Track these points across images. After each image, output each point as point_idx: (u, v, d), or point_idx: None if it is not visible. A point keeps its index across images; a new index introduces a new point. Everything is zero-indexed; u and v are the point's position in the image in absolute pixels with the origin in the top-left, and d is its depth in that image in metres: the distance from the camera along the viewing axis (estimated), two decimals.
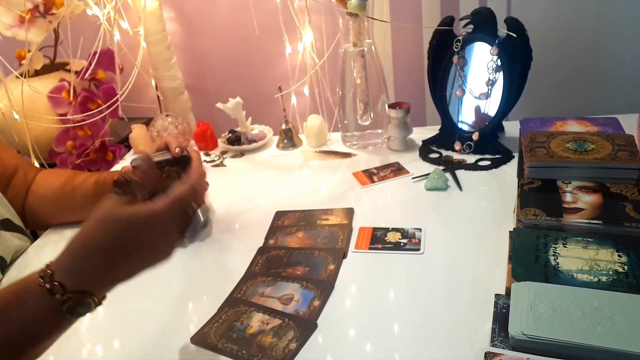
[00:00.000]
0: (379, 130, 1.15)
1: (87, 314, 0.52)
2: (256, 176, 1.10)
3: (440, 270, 0.75)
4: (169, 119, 1.23)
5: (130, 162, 0.85)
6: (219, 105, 1.19)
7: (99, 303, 0.53)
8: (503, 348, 0.58)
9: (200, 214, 0.59)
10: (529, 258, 0.66)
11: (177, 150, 0.85)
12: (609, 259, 0.65)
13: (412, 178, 1.00)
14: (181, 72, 1.36)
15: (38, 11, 1.15)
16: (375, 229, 0.85)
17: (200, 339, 0.67)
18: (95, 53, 1.15)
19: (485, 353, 0.56)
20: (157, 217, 0.53)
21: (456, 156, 1.06)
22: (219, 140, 1.25)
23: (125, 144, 1.31)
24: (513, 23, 0.98)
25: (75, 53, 1.20)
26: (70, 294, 0.50)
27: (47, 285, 0.50)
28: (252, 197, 1.02)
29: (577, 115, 0.94)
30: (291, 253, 0.82)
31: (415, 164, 1.06)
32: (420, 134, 1.14)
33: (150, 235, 0.53)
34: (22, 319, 0.51)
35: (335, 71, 1.15)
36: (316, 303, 0.71)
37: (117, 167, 1.21)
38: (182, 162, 0.86)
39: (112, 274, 0.53)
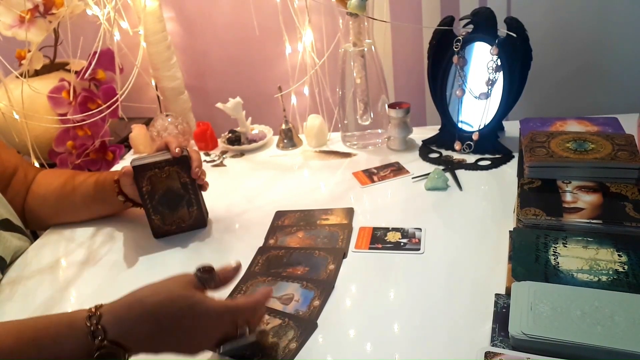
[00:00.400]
0: (379, 130, 1.15)
1: None
2: (256, 176, 1.10)
3: (440, 270, 0.75)
4: (169, 119, 1.23)
5: (130, 162, 0.85)
6: (219, 105, 1.19)
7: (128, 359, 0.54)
8: (503, 348, 0.58)
9: (247, 334, 0.59)
10: (529, 258, 0.66)
11: (177, 150, 0.85)
12: (609, 258, 0.65)
13: (412, 178, 1.00)
14: (181, 72, 1.36)
15: (38, 11, 1.15)
16: (375, 229, 0.85)
17: None
18: (95, 53, 1.15)
19: (486, 353, 0.56)
20: (213, 314, 0.55)
21: (456, 156, 1.06)
22: (219, 140, 1.25)
23: (125, 144, 1.31)
24: (513, 23, 0.98)
25: (75, 53, 1.20)
26: (108, 342, 0.51)
27: (92, 327, 0.51)
28: (252, 197, 1.02)
29: (577, 115, 0.94)
30: (291, 253, 0.82)
31: (415, 163, 1.06)
32: (420, 134, 1.14)
33: (198, 327, 0.55)
34: (54, 354, 0.51)
35: (335, 71, 1.15)
36: (316, 303, 0.71)
37: (117, 167, 1.21)
38: (182, 162, 0.86)
39: (150, 343, 0.54)
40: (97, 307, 0.54)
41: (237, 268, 0.63)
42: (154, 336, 0.54)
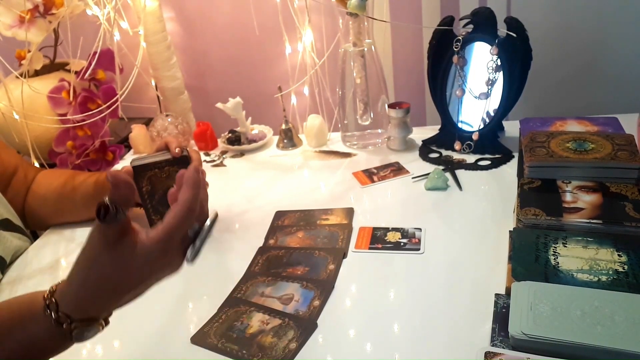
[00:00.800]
0: (379, 130, 1.15)
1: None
2: (256, 176, 1.10)
3: (440, 270, 0.75)
4: (169, 119, 1.23)
5: (130, 162, 0.85)
6: (219, 105, 1.19)
7: (106, 324, 0.53)
8: (503, 348, 0.58)
9: (200, 228, 0.57)
10: (529, 258, 0.66)
11: (177, 150, 0.85)
12: (609, 258, 0.65)
13: (412, 178, 1.00)
14: (181, 72, 1.36)
15: (38, 11, 1.15)
16: (375, 229, 0.85)
17: (200, 339, 0.67)
18: (95, 53, 1.15)
19: (486, 353, 0.56)
20: (155, 250, 0.52)
21: (456, 156, 1.06)
22: (219, 140, 1.25)
23: (125, 144, 1.31)
24: (513, 23, 0.98)
25: (75, 53, 1.19)
26: (77, 322, 0.51)
27: (53, 316, 0.51)
28: (252, 197, 1.02)
29: (577, 115, 0.94)
30: (291, 253, 0.82)
31: (415, 163, 1.06)
32: (420, 134, 1.14)
33: (153, 266, 0.53)
34: (28, 340, 0.51)
35: (335, 71, 1.15)
36: (316, 303, 0.71)
37: (117, 167, 1.21)
38: (182, 162, 0.86)
39: (117, 302, 0.53)
40: (52, 293, 0.53)
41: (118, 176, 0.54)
42: (118, 295, 0.52)
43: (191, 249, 0.56)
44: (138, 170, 0.85)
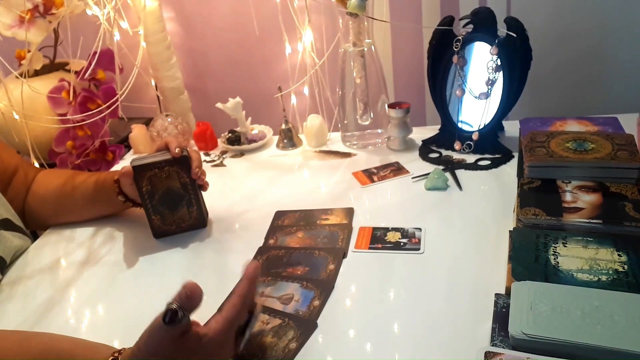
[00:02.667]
0: (379, 130, 1.15)
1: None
2: (256, 176, 1.10)
3: (440, 270, 0.75)
4: (169, 119, 1.23)
5: (130, 162, 0.85)
6: (219, 105, 1.19)
7: None
8: (503, 347, 0.58)
9: (249, 318, 0.61)
10: (529, 257, 0.66)
11: (177, 150, 0.85)
12: (608, 258, 0.65)
13: (412, 178, 1.00)
14: (181, 72, 1.36)
15: (38, 11, 1.15)
16: (375, 229, 0.85)
17: None
18: (95, 53, 1.15)
19: (485, 352, 0.56)
20: (218, 342, 0.56)
21: (456, 156, 1.06)
22: (219, 140, 1.25)
23: (125, 144, 1.31)
24: (513, 23, 0.98)
25: (75, 53, 1.19)
26: None
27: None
28: (252, 197, 1.02)
29: (577, 115, 0.94)
30: (291, 253, 0.82)
31: (415, 163, 1.06)
32: (420, 134, 1.14)
33: (213, 356, 0.56)
34: None
35: (335, 71, 1.15)
36: (316, 303, 0.71)
37: (117, 167, 1.21)
38: (182, 162, 0.86)
39: None
40: (120, 352, 0.57)
41: (192, 287, 0.57)
42: None
43: (242, 340, 0.59)
44: (138, 170, 0.85)
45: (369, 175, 1.03)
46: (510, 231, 0.77)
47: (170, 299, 0.54)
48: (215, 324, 0.57)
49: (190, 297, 0.55)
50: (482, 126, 1.05)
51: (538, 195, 0.76)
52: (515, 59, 0.99)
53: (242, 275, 0.61)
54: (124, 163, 1.22)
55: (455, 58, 1.03)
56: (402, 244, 0.81)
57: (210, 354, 0.56)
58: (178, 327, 0.53)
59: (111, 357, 0.56)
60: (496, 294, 0.66)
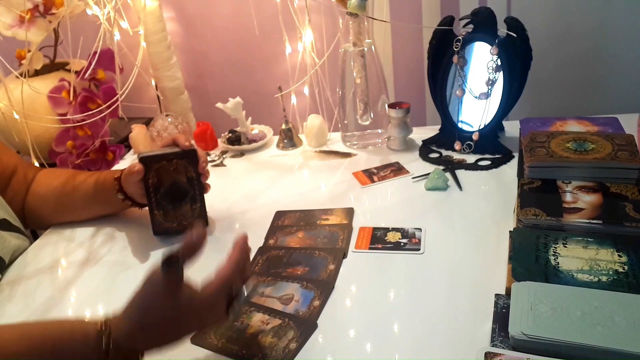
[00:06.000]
0: (379, 130, 1.15)
1: None
2: (256, 176, 1.10)
3: (440, 270, 0.75)
4: (169, 119, 1.23)
5: (138, 156, 0.86)
6: (219, 105, 1.19)
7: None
8: (503, 348, 0.58)
9: (244, 289, 0.64)
10: (529, 258, 0.66)
11: (187, 143, 0.86)
12: (609, 258, 0.65)
13: (412, 178, 1.00)
14: (181, 72, 1.36)
15: (38, 11, 1.15)
16: (375, 229, 0.85)
17: (200, 339, 0.67)
18: (95, 53, 1.15)
19: (485, 353, 0.56)
20: (208, 302, 0.58)
21: (456, 156, 1.06)
22: (219, 140, 1.25)
23: (125, 144, 1.31)
24: (513, 23, 0.98)
25: (75, 53, 1.19)
26: (121, 354, 0.56)
27: (104, 342, 0.56)
28: (252, 197, 1.02)
29: (577, 115, 0.94)
30: (291, 253, 0.82)
31: (415, 163, 1.06)
32: (420, 134, 1.14)
33: (202, 316, 0.59)
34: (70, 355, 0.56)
35: (335, 71, 1.15)
36: (316, 303, 0.71)
37: (117, 167, 1.21)
38: (191, 156, 0.87)
39: (161, 345, 0.58)
40: (107, 322, 0.57)
41: (200, 234, 0.60)
42: (163, 339, 0.58)
43: (232, 309, 0.61)
44: (147, 162, 0.85)
45: (369, 175, 1.03)
46: (510, 231, 0.77)
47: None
48: (208, 287, 0.59)
49: (191, 245, 0.58)
50: (482, 126, 1.05)
51: (538, 195, 0.76)
52: (516, 59, 0.99)
53: (233, 245, 0.62)
54: (124, 163, 1.22)
55: (455, 58, 1.03)
56: (402, 244, 0.81)
57: (199, 315, 0.58)
58: (173, 272, 0.56)
59: (97, 332, 0.56)
60: (496, 295, 0.66)
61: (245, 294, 0.63)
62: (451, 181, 0.97)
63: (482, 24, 1.00)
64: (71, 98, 1.19)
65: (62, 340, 0.57)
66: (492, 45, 0.99)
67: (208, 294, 0.58)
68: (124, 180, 0.88)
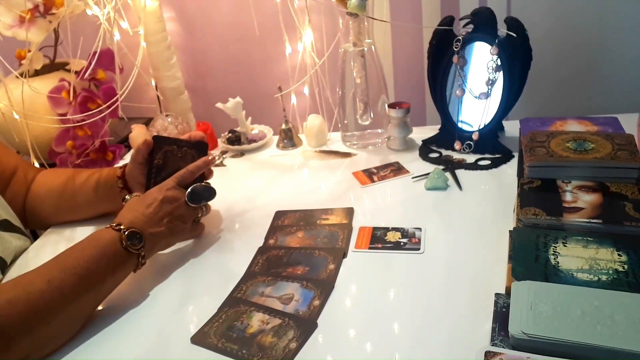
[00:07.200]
0: (379, 130, 1.15)
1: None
2: (256, 176, 1.11)
3: (440, 269, 0.75)
4: (169, 119, 1.23)
5: (152, 137, 0.88)
6: (219, 105, 1.19)
7: (145, 241, 0.77)
8: (503, 347, 0.58)
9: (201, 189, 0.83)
10: (529, 257, 0.66)
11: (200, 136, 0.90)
12: (609, 258, 0.65)
13: (412, 178, 1.00)
14: (181, 72, 1.36)
15: (38, 11, 1.15)
16: (375, 229, 0.85)
17: (200, 339, 0.67)
18: (95, 53, 1.15)
19: (486, 352, 0.56)
20: (165, 192, 0.82)
21: (456, 156, 1.06)
22: (219, 140, 1.25)
23: (125, 144, 1.31)
24: (513, 23, 0.98)
25: (75, 53, 1.19)
26: (127, 230, 0.75)
27: (115, 227, 0.76)
28: (252, 197, 1.02)
29: (577, 115, 0.94)
30: (291, 253, 0.82)
31: (415, 163, 1.06)
32: (420, 134, 1.14)
33: (171, 207, 0.82)
34: (98, 252, 0.73)
35: (335, 71, 1.15)
36: (316, 303, 0.71)
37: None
38: (200, 148, 0.88)
39: (152, 227, 0.79)
40: (118, 223, 0.77)
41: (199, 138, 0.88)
42: (153, 222, 0.79)
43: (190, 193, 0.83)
44: (158, 141, 0.88)
45: (369, 175, 1.03)
46: (510, 231, 0.77)
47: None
48: (165, 182, 0.84)
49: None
50: (482, 126, 1.05)
51: (538, 195, 0.76)
52: (515, 59, 0.99)
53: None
54: (124, 163, 1.22)
55: (455, 58, 1.03)
56: (402, 243, 0.81)
57: (167, 202, 0.82)
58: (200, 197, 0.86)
59: (112, 228, 0.76)
60: (496, 294, 0.66)
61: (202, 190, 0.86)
62: (451, 181, 0.97)
63: (482, 24, 1.00)
64: (71, 98, 1.19)
65: (90, 247, 0.73)
66: (492, 45, 0.99)
67: (164, 186, 0.83)
68: (128, 168, 0.90)
